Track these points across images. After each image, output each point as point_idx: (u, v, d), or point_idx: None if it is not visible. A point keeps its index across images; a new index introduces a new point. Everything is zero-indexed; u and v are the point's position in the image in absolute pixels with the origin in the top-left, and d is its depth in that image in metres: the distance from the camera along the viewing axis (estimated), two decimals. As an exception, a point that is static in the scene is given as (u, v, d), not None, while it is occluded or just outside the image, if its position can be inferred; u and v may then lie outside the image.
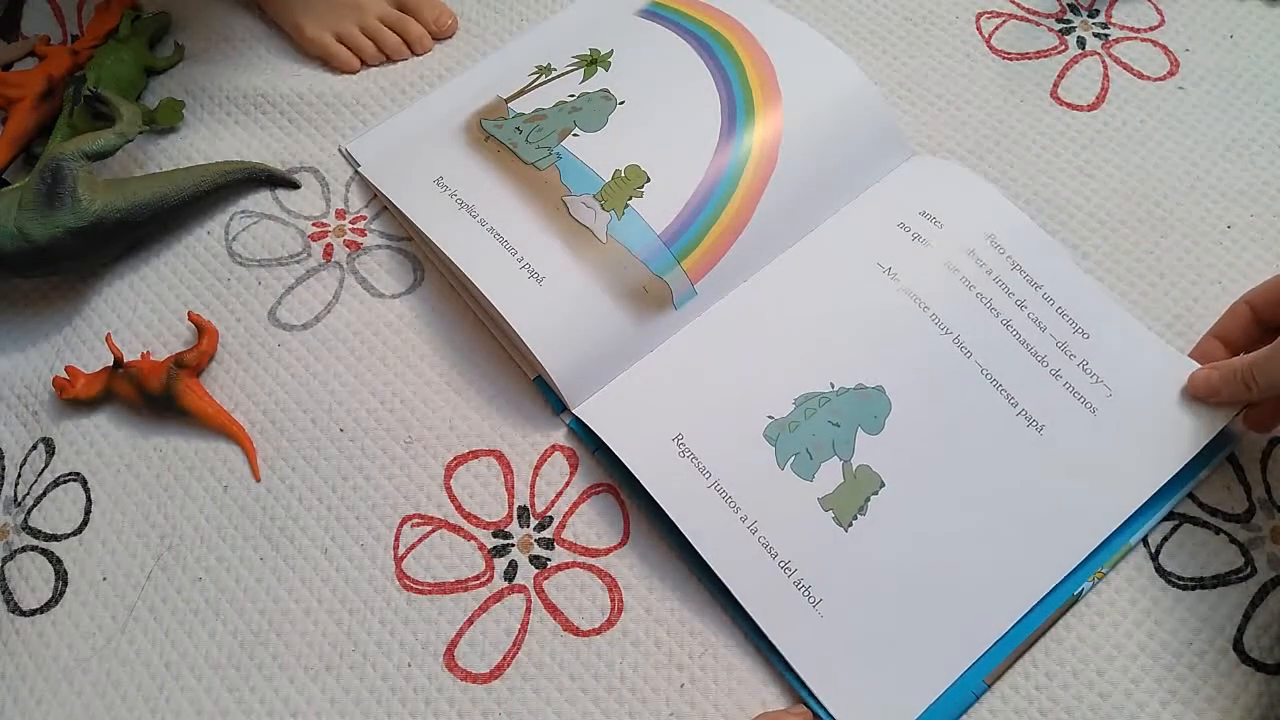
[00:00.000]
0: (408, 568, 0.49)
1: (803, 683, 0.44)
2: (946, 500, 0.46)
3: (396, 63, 0.64)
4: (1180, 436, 0.47)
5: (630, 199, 0.52)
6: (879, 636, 0.44)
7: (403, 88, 0.63)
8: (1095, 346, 0.49)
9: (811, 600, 0.45)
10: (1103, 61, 0.61)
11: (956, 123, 0.60)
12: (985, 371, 0.49)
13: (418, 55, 0.64)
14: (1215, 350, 0.48)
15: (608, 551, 0.49)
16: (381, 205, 0.59)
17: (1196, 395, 0.47)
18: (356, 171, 0.60)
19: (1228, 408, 0.47)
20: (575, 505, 0.50)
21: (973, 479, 0.47)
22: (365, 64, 0.63)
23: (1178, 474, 0.47)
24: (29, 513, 0.51)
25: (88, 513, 0.51)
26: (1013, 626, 0.45)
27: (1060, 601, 0.45)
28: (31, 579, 0.50)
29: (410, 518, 0.50)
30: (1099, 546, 0.46)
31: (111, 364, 0.53)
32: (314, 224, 0.58)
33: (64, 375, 0.54)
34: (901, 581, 0.45)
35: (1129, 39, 0.62)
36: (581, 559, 0.48)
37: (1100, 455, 0.47)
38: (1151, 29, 0.62)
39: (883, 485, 0.47)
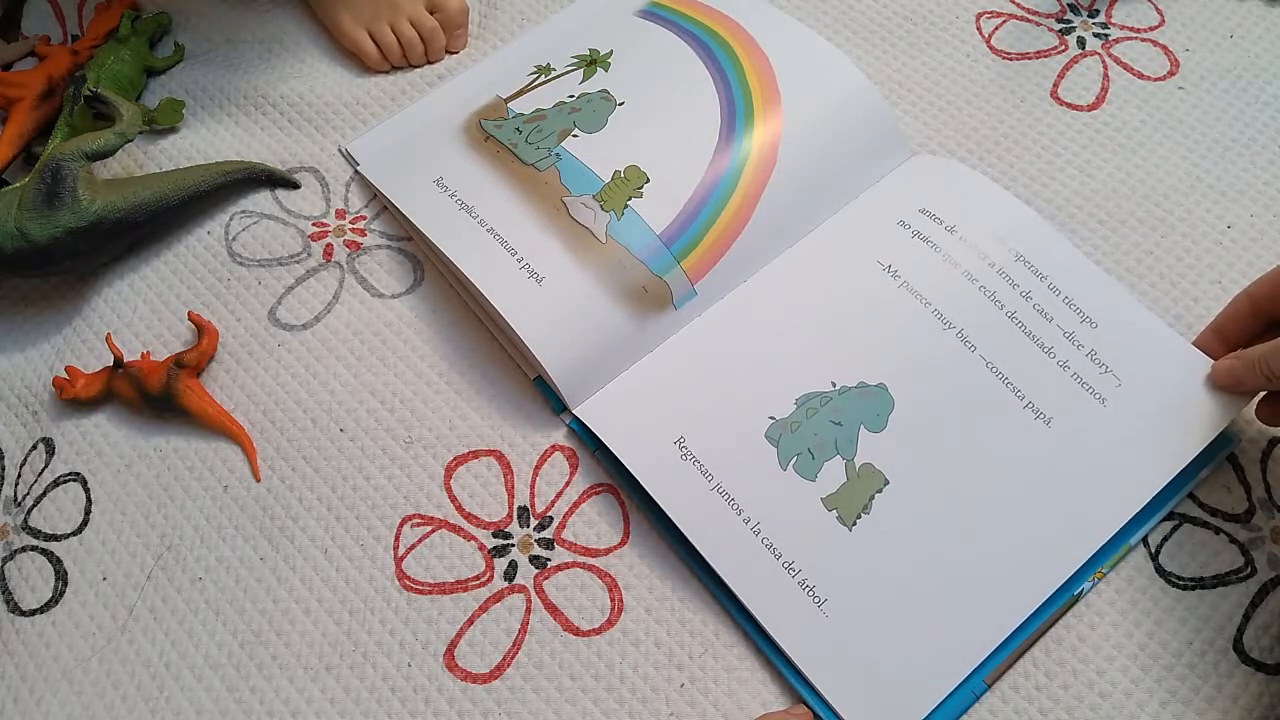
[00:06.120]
0: (408, 568, 0.49)
1: (806, 683, 0.44)
2: (953, 496, 0.46)
3: (412, 68, 0.64)
4: (1190, 425, 0.47)
5: (630, 199, 0.52)
6: (885, 635, 0.44)
7: (402, 87, 0.63)
8: (1104, 336, 0.49)
9: (816, 600, 0.45)
10: (1103, 61, 0.61)
11: (956, 123, 0.60)
12: (990, 365, 0.49)
13: (431, 64, 0.64)
14: (1213, 344, 0.48)
15: (608, 551, 0.49)
16: (381, 205, 0.59)
17: (1219, 385, 0.47)
18: (356, 171, 0.60)
19: (1238, 398, 0.47)
20: (575, 505, 0.50)
21: (980, 474, 0.47)
22: (391, 65, 0.64)
23: (1178, 474, 0.47)
24: (29, 513, 0.51)
25: (88, 513, 0.51)
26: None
27: (1060, 602, 0.45)
28: (31, 579, 0.50)
29: (410, 518, 0.50)
30: (1099, 547, 0.46)
31: (111, 364, 0.53)
32: (314, 224, 0.58)
33: (64, 375, 0.54)
34: (907, 579, 0.45)
35: (1129, 39, 0.62)
36: (581, 559, 0.48)
37: (1109, 446, 0.47)
38: (1151, 29, 0.62)
39: (887, 483, 0.47)
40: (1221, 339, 0.48)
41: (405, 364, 0.54)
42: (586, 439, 0.50)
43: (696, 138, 0.54)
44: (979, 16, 0.64)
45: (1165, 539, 0.47)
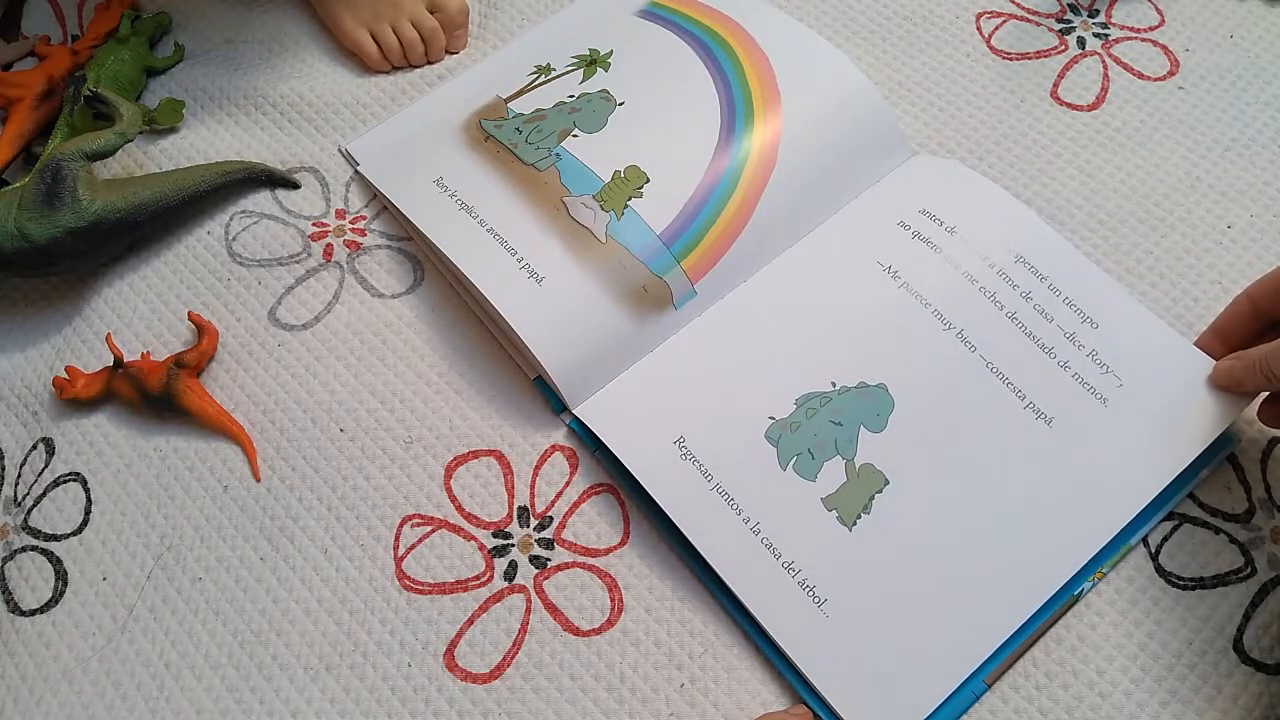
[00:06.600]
0: (408, 568, 0.49)
1: (805, 683, 0.44)
2: (954, 496, 0.46)
3: (413, 68, 0.64)
4: (1191, 426, 0.47)
5: (630, 199, 0.52)
6: (885, 636, 0.44)
7: (402, 87, 0.63)
8: (1104, 336, 0.49)
9: (816, 600, 0.45)
10: (1103, 61, 0.61)
11: (956, 123, 0.60)
12: (991, 365, 0.49)
13: (431, 64, 0.64)
14: (1214, 345, 0.48)
15: (608, 551, 0.49)
16: (381, 205, 0.59)
17: (1220, 386, 0.47)
18: (356, 171, 0.60)
19: (1240, 399, 0.47)
20: (575, 505, 0.50)
21: (980, 474, 0.47)
22: (392, 65, 0.64)
23: (1179, 474, 0.47)
24: (29, 513, 0.51)
25: (88, 513, 0.51)
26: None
27: (1060, 602, 0.45)
28: (31, 579, 0.50)
29: (410, 518, 0.50)
30: (1100, 547, 0.46)
31: (111, 364, 0.53)
32: (314, 224, 0.58)
33: (64, 375, 0.54)
34: (907, 580, 0.45)
35: (1129, 39, 0.62)
36: (581, 559, 0.48)
37: (1111, 447, 0.47)
38: (1151, 29, 0.62)
39: (887, 483, 0.47)
40: (1222, 340, 0.48)
41: (405, 364, 0.54)
42: (586, 439, 0.50)
43: (696, 138, 0.54)
44: (979, 16, 0.64)
45: (1165, 539, 0.47)
